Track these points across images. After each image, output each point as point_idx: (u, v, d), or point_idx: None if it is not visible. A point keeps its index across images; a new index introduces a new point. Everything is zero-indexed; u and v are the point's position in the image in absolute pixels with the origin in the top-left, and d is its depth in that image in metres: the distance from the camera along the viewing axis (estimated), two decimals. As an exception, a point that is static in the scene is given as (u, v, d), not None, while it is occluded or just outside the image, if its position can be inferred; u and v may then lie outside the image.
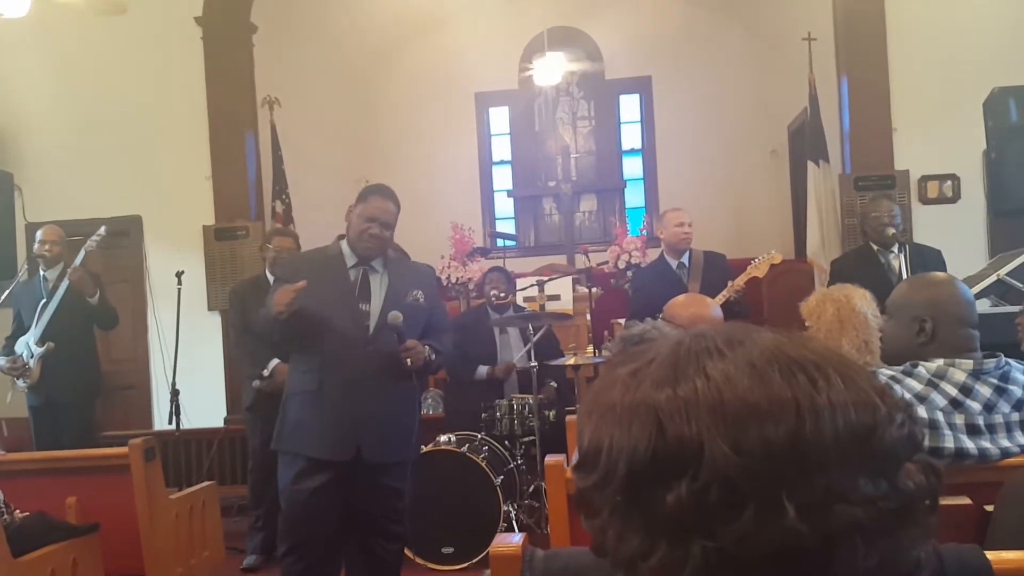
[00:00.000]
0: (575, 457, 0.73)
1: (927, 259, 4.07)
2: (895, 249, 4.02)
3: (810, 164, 5.81)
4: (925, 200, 5.68)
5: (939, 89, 5.57)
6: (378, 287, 3.00)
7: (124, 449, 3.03)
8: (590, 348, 5.60)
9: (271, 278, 4.48)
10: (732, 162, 7.97)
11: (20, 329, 4.67)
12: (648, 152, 8.58)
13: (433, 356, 2.98)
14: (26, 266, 5.00)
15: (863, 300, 2.51)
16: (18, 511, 2.73)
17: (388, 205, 2.98)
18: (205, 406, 5.58)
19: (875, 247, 4.25)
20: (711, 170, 7.97)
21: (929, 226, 5.44)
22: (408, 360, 2.86)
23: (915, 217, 5.57)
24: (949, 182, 5.69)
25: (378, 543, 3.03)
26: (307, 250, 3.14)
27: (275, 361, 4.16)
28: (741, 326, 0.68)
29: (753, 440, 0.58)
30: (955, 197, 5.68)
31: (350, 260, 3.00)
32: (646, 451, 0.61)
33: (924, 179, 5.68)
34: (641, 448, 0.61)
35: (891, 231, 4.07)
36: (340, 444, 2.86)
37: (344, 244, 3.05)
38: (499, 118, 8.88)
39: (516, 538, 1.46)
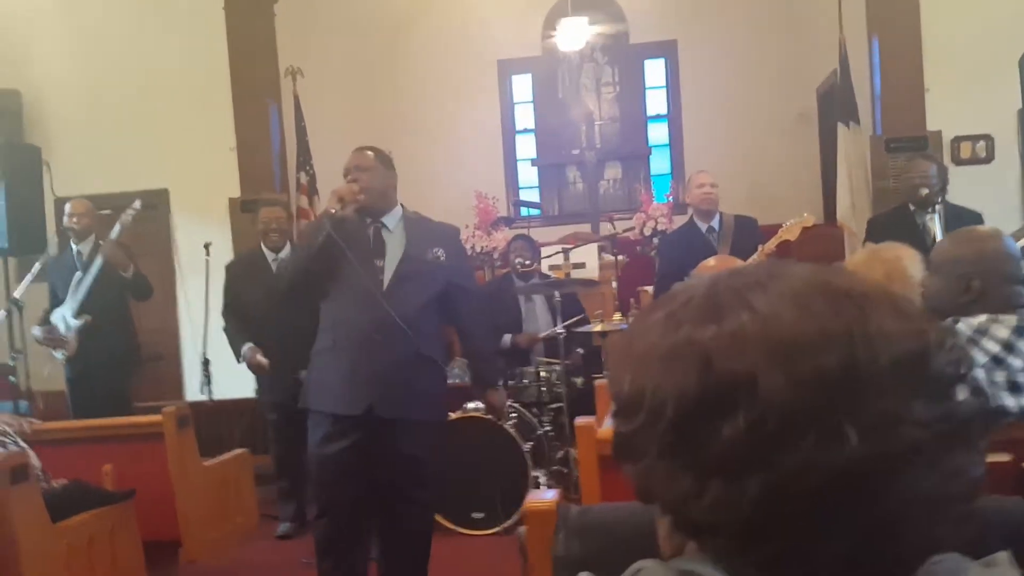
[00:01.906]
0: (612, 405, 0.72)
1: (965, 222, 3.98)
2: (931, 210, 3.94)
3: (840, 126, 5.70)
4: (958, 161, 5.56)
5: (972, 48, 5.43)
6: (395, 244, 3.01)
7: (158, 417, 3.08)
8: (617, 315, 5.58)
9: (266, 252, 4.57)
10: (760, 126, 7.84)
11: (56, 302, 4.73)
12: (674, 118, 8.46)
13: (500, 382, 3.19)
14: (56, 240, 5.05)
15: (912, 261, 2.43)
16: (55, 481, 2.78)
17: (361, 153, 3.06)
18: (235, 376, 5.63)
19: (912, 207, 4.18)
20: (738, 135, 7.85)
21: (963, 187, 5.31)
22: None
23: (949, 178, 5.46)
24: (982, 142, 5.56)
25: (404, 510, 3.05)
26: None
27: (247, 345, 4.37)
28: (777, 260, 0.67)
29: (807, 370, 0.57)
30: (989, 158, 5.56)
31: (365, 221, 3.05)
32: (695, 390, 0.60)
33: (957, 140, 5.56)
34: (690, 388, 0.60)
35: (924, 191, 3.99)
36: (353, 398, 2.89)
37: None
38: (522, 86, 8.79)
39: (550, 494, 1.46)
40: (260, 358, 4.37)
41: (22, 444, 2.60)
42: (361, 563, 3.03)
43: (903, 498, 0.57)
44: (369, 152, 3.08)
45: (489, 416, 4.25)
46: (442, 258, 3.02)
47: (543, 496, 1.46)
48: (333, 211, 2.87)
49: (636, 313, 5.68)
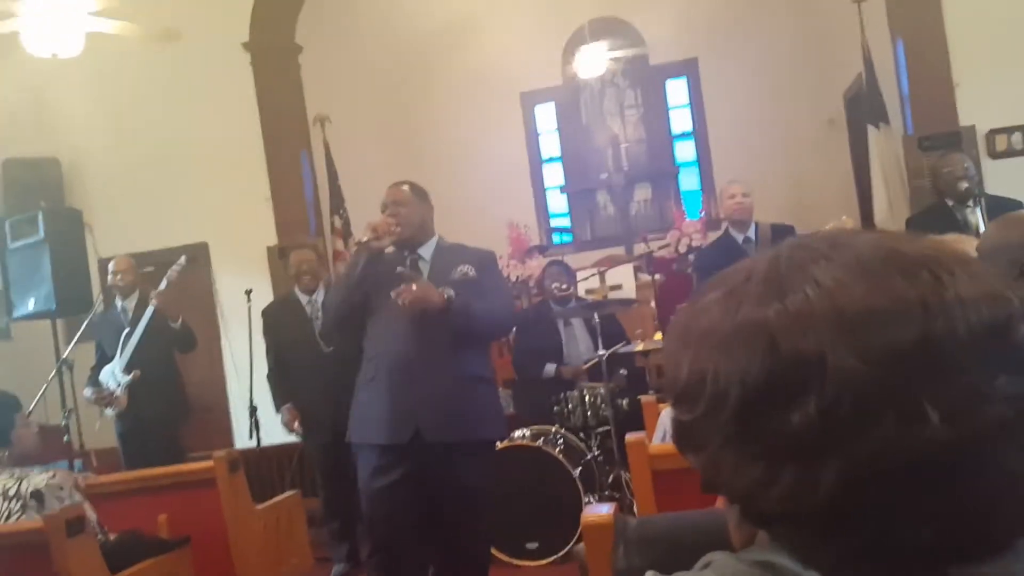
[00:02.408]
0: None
1: (1007, 211, 3.90)
2: (971, 203, 3.86)
3: (870, 128, 5.64)
4: (994, 154, 5.45)
5: (999, 39, 5.34)
6: (427, 271, 3.05)
7: (209, 463, 3.09)
8: (658, 335, 5.53)
9: (300, 295, 4.61)
10: (788, 135, 7.79)
11: (103, 359, 4.82)
12: (700, 134, 8.45)
13: (452, 293, 2.87)
14: (102, 298, 5.16)
15: (971, 246, 2.35)
16: (112, 533, 2.80)
17: (397, 188, 3.10)
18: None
19: (950, 203, 4.10)
20: (767, 146, 7.81)
21: (1001, 180, 5.21)
22: (401, 299, 2.77)
23: (985, 172, 5.34)
24: (1018, 134, 5.44)
25: (460, 541, 3.00)
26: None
27: (286, 406, 4.51)
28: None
29: (881, 346, 0.53)
30: (1025, 149, 5.45)
31: (402, 254, 3.08)
32: (759, 373, 0.56)
33: (992, 133, 5.45)
34: (754, 371, 0.57)
35: (965, 184, 3.92)
36: (398, 426, 2.86)
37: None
38: (546, 115, 8.87)
39: (605, 508, 1.43)
40: (296, 424, 4.52)
41: (77, 498, 2.63)
42: None
43: (990, 479, 0.53)
44: (404, 187, 3.12)
45: (537, 443, 4.22)
46: (471, 274, 3.01)
47: (599, 510, 1.43)
48: (366, 239, 2.91)
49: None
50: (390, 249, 3.00)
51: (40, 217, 5.02)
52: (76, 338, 4.98)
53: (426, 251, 3.08)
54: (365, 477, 2.93)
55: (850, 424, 0.53)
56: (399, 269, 2.89)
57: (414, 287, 2.82)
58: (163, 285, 4.72)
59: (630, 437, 2.17)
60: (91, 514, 2.63)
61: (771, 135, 7.84)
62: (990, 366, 0.53)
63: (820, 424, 0.53)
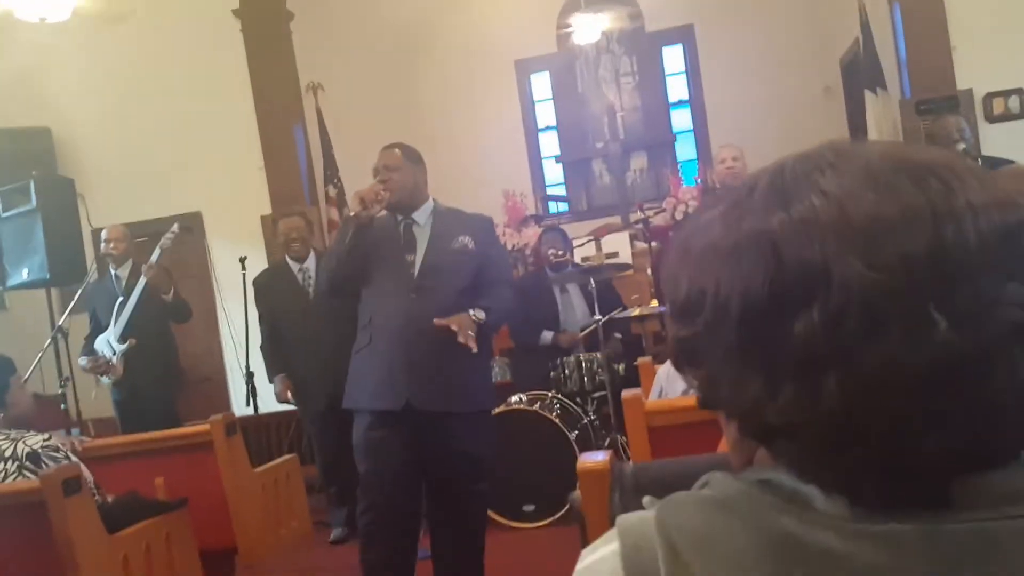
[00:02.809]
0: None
1: (1002, 171, 3.89)
2: (967, 165, 3.85)
3: (867, 93, 5.61)
4: (992, 118, 5.43)
5: (997, 1, 5.31)
6: (425, 238, 2.99)
7: (206, 426, 3.10)
8: (654, 302, 5.53)
9: (290, 262, 4.60)
10: (785, 103, 7.74)
11: (97, 328, 4.81)
12: (696, 102, 8.39)
13: (483, 315, 2.89)
14: (95, 266, 5.14)
15: None
16: (110, 496, 2.81)
17: (389, 152, 3.03)
18: (279, 389, 5.69)
19: (946, 166, 4.08)
20: (763, 114, 7.76)
21: (998, 144, 5.19)
22: (460, 338, 2.78)
23: (983, 136, 5.33)
24: (1015, 96, 5.42)
25: (458, 504, 3.00)
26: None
27: (279, 376, 4.54)
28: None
29: (889, 254, 0.52)
30: (1023, 112, 5.42)
31: (397, 219, 3.05)
32: (763, 284, 0.55)
33: (989, 96, 5.42)
34: (756, 281, 0.56)
35: (961, 147, 3.90)
36: (391, 394, 2.85)
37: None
38: (541, 84, 8.79)
39: (601, 455, 1.43)
40: (288, 395, 4.55)
41: (73, 459, 2.63)
42: (410, 556, 2.98)
43: (999, 387, 0.52)
44: (396, 150, 3.06)
45: (534, 408, 4.23)
46: (471, 246, 2.98)
47: (594, 457, 1.43)
48: (354, 214, 2.87)
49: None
50: (382, 214, 2.96)
51: (32, 186, 4.98)
52: (70, 307, 4.97)
53: (421, 216, 3.03)
54: (360, 431, 2.93)
55: (855, 333, 0.52)
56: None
57: (454, 327, 2.82)
58: (156, 254, 4.69)
59: (626, 393, 2.17)
60: (88, 475, 2.63)
61: (768, 103, 7.79)
62: (1000, 272, 0.52)
63: (824, 334, 0.52)
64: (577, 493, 1.44)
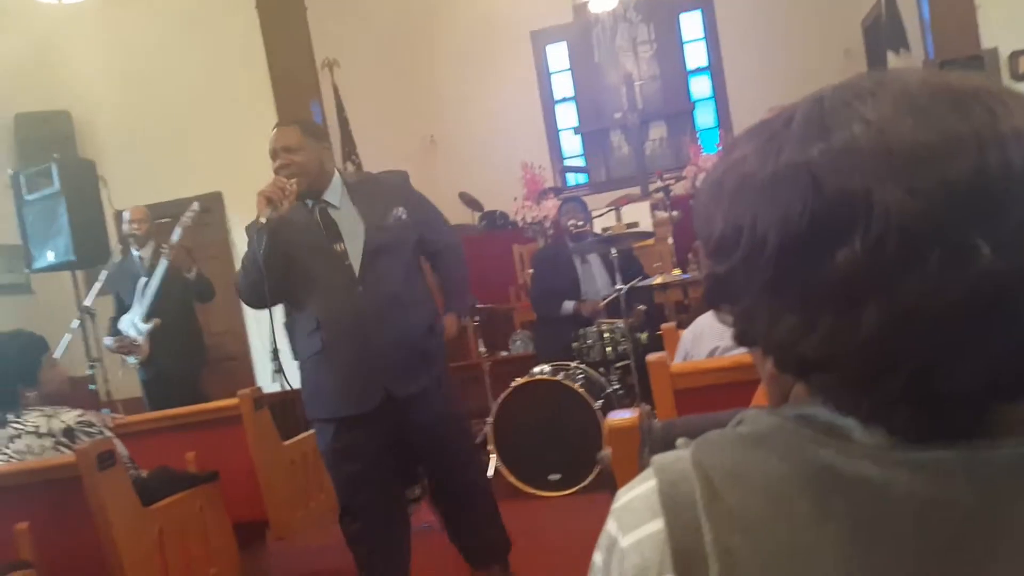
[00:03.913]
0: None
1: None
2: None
3: (890, 54, 5.53)
4: (1018, 76, 5.31)
5: (1023, -45, 5.19)
6: (349, 220, 2.69)
7: (234, 400, 3.13)
8: (676, 270, 5.50)
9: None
10: (805, 67, 7.60)
11: (122, 309, 4.86)
12: (715, 69, 8.30)
13: (458, 316, 2.92)
14: (119, 248, 5.18)
15: None
16: (144, 470, 2.85)
17: (285, 130, 2.68)
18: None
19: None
20: (784, 78, 7.62)
21: (1026, 103, 5.09)
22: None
23: (1009, 95, 5.23)
24: (1042, 55, 5.31)
25: (451, 464, 2.87)
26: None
27: None
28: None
29: (932, 182, 0.51)
30: (1050, 70, 5.31)
31: (308, 204, 2.72)
32: (801, 215, 0.54)
33: (1015, 55, 5.30)
34: (795, 213, 0.55)
35: None
36: (365, 394, 2.65)
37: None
38: (557, 55, 8.72)
39: (628, 412, 1.43)
40: None
41: (107, 433, 2.67)
42: (406, 556, 2.87)
43: None
44: (295, 127, 2.69)
45: (557, 378, 4.24)
46: (404, 216, 2.73)
47: (622, 415, 1.43)
48: (264, 220, 2.52)
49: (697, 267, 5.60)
50: (286, 206, 2.58)
51: (54, 169, 5.01)
52: (96, 289, 5.02)
53: (333, 195, 2.71)
54: (327, 441, 2.75)
55: (896, 262, 0.51)
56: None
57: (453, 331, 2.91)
58: (176, 233, 4.72)
59: (652, 357, 2.16)
60: (122, 450, 2.68)
61: (789, 68, 7.67)
62: None
63: (865, 263, 0.52)
64: (606, 451, 1.44)
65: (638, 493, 0.63)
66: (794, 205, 0.55)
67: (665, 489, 0.60)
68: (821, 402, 0.59)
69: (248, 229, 2.77)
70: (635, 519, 0.61)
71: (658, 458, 0.64)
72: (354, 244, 2.66)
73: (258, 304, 2.74)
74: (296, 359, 2.81)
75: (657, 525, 0.59)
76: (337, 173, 2.78)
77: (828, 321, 0.54)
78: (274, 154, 2.66)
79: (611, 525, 0.63)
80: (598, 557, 0.64)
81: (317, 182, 2.68)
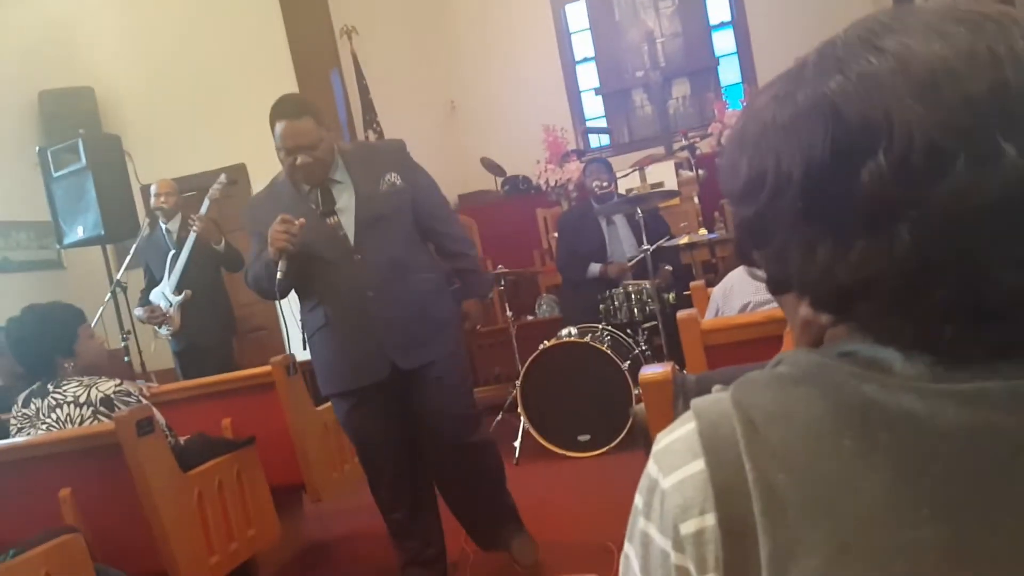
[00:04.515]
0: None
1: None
2: None
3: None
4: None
5: None
6: (344, 191, 2.65)
7: (267, 368, 3.16)
8: (702, 230, 5.46)
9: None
10: (831, 17, 7.45)
11: (152, 282, 4.92)
12: (739, 23, 8.14)
13: (482, 296, 2.86)
14: (147, 221, 5.23)
15: None
16: (181, 437, 2.90)
17: (299, 124, 2.53)
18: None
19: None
20: (809, 30, 7.41)
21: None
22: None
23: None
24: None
25: (452, 463, 2.82)
26: (264, 188, 2.77)
27: None
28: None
29: (951, 98, 0.51)
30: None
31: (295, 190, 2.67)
32: (824, 144, 0.55)
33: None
34: (818, 141, 0.55)
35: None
36: (373, 366, 2.63)
37: None
38: (577, 14, 8.61)
39: (661, 366, 1.43)
40: None
41: (143, 400, 2.72)
42: (432, 512, 2.89)
43: None
44: (308, 119, 2.54)
45: (585, 340, 4.24)
46: (398, 182, 2.66)
47: (655, 368, 1.43)
48: (281, 275, 2.51)
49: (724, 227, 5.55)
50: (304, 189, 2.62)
51: (80, 144, 5.05)
52: (126, 263, 5.08)
53: (336, 173, 2.66)
54: (344, 413, 2.77)
55: (922, 172, 0.51)
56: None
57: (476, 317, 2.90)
58: (205, 205, 4.77)
59: (682, 314, 2.16)
60: (160, 418, 2.72)
61: (813, 19, 7.49)
62: None
63: (891, 178, 0.52)
64: (640, 406, 1.45)
65: (678, 435, 0.63)
66: (816, 135, 0.55)
67: (705, 430, 0.60)
68: (860, 337, 0.59)
69: (247, 211, 2.78)
70: (676, 460, 0.61)
71: (697, 401, 0.64)
72: (348, 215, 2.62)
73: (269, 300, 2.74)
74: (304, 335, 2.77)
75: (698, 465, 0.59)
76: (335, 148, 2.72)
77: (861, 243, 0.54)
78: (291, 151, 2.54)
79: (651, 468, 0.64)
80: (639, 499, 0.65)
81: (328, 170, 2.63)
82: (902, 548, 0.51)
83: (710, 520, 0.58)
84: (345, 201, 2.63)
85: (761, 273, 0.66)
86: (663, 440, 0.64)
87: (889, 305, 0.55)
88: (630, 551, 0.65)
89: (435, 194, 2.82)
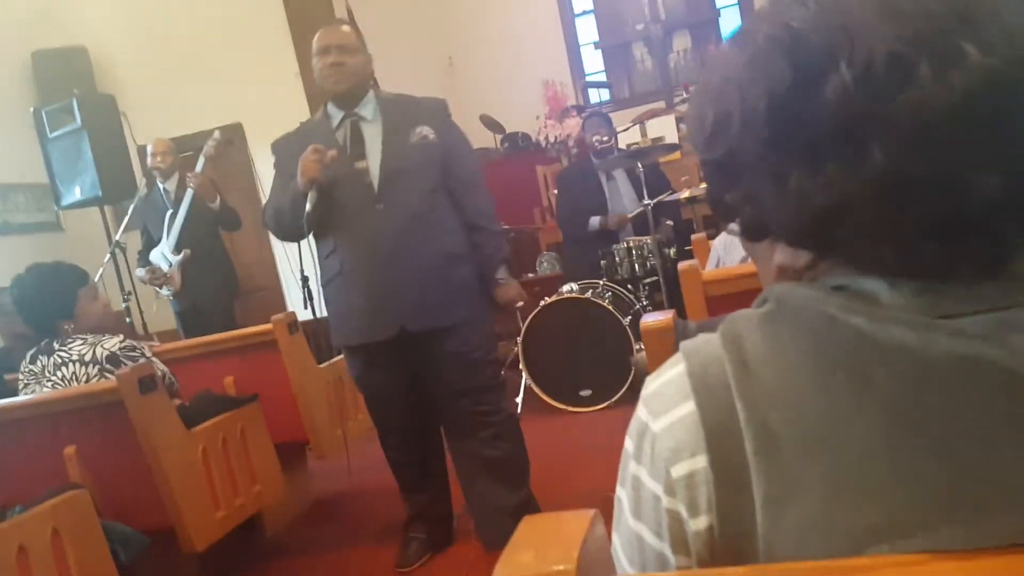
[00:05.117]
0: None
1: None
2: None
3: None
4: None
5: None
6: (374, 135, 2.57)
7: (268, 326, 3.17)
8: (703, 184, 5.42)
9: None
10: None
11: (150, 242, 4.91)
12: (740, -28, 8.01)
13: (505, 273, 2.67)
14: (144, 181, 5.20)
15: None
16: (185, 400, 2.91)
17: (336, 28, 2.57)
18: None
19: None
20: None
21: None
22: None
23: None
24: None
25: (480, 446, 2.72)
26: (293, 130, 2.74)
27: None
28: None
29: (907, 11, 0.51)
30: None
31: (336, 118, 2.61)
32: (785, 70, 0.54)
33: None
34: (778, 72, 0.54)
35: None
36: (380, 322, 2.55)
37: (329, 104, 2.66)
38: (575, -34, 8.45)
39: (662, 314, 1.42)
40: None
41: (148, 355, 2.73)
42: (438, 461, 2.87)
43: None
44: (347, 27, 2.58)
45: (586, 296, 4.24)
46: (431, 137, 2.57)
47: (656, 316, 1.42)
48: (310, 206, 2.47)
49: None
50: (320, 114, 2.61)
51: (75, 104, 5.01)
52: (124, 223, 5.06)
53: (366, 109, 2.60)
54: (357, 374, 2.74)
55: (885, 81, 0.50)
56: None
57: (512, 296, 2.70)
58: (200, 163, 4.74)
59: (683, 265, 2.15)
60: (168, 374, 2.74)
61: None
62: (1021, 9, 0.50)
63: (856, 90, 0.51)
64: (641, 354, 1.44)
65: (668, 378, 0.62)
66: (777, 64, 0.54)
67: (695, 371, 0.59)
68: (842, 269, 0.58)
69: (273, 153, 2.73)
70: (666, 403, 0.61)
71: (686, 343, 0.63)
72: (374, 161, 2.56)
73: (289, 240, 2.72)
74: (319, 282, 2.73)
75: (689, 407, 0.59)
76: (371, 88, 2.65)
77: (833, 164, 0.53)
78: (325, 51, 2.53)
79: (641, 411, 0.63)
80: (629, 443, 0.64)
81: (356, 90, 2.57)
82: (901, 480, 0.51)
83: (701, 462, 0.57)
84: (374, 147, 2.56)
85: (735, 226, 0.65)
86: (652, 383, 0.64)
87: (867, 227, 0.54)
88: (622, 494, 0.65)
89: (467, 160, 2.71)
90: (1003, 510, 0.48)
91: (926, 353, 0.51)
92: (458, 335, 2.61)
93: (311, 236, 2.62)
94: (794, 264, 0.62)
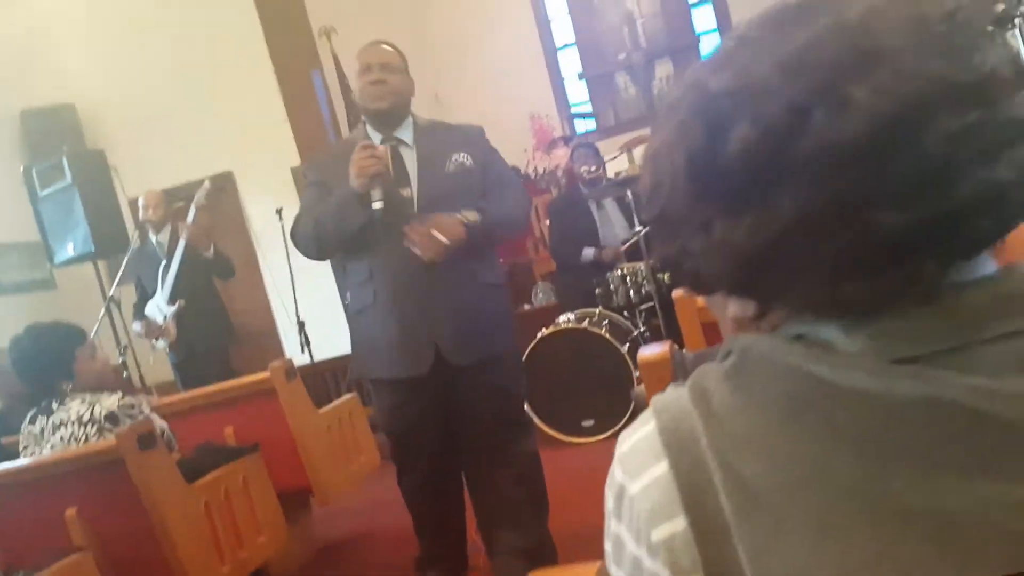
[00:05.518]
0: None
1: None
2: (1010, 26, 3.66)
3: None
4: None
5: None
6: (411, 162, 2.51)
7: (266, 374, 3.16)
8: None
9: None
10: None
11: (144, 295, 4.91)
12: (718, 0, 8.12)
13: (474, 216, 2.42)
14: (137, 234, 5.21)
15: None
16: (184, 453, 2.89)
17: (378, 47, 2.53)
18: (331, 335, 5.77)
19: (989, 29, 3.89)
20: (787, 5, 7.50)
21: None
22: (421, 249, 2.37)
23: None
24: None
25: (501, 486, 2.65)
26: (334, 145, 2.69)
27: None
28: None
29: (802, 66, 0.54)
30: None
31: (375, 140, 2.53)
32: (698, 128, 0.58)
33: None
34: (694, 131, 0.58)
35: (1000, 6, 3.71)
36: (416, 356, 2.47)
37: (367, 125, 2.60)
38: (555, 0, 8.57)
39: (659, 346, 1.42)
40: None
41: (147, 412, 2.71)
42: (458, 501, 2.77)
43: (933, 150, 0.51)
44: (389, 47, 2.54)
45: (583, 326, 4.23)
46: (468, 163, 2.50)
47: (653, 349, 1.42)
48: (380, 204, 2.36)
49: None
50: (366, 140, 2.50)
51: (65, 161, 5.03)
52: (119, 277, 5.06)
53: (405, 133, 2.54)
54: (384, 410, 2.63)
55: (784, 129, 0.53)
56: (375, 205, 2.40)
57: (433, 232, 2.35)
58: (191, 214, 4.76)
59: (677, 292, 2.15)
60: (166, 429, 2.73)
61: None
62: (917, 51, 0.53)
63: (757, 140, 0.54)
64: (640, 388, 1.44)
65: (640, 436, 0.62)
66: (693, 126, 0.59)
67: (665, 428, 0.60)
68: (798, 323, 0.60)
69: (306, 172, 2.64)
70: (640, 463, 0.60)
71: (657, 398, 0.63)
72: (415, 187, 2.49)
73: (317, 258, 2.61)
74: (347, 310, 2.61)
75: (663, 467, 0.59)
76: (411, 114, 2.59)
77: (750, 213, 0.55)
78: (367, 69, 2.48)
79: (617, 472, 0.63)
80: (609, 500, 0.64)
81: (397, 110, 2.52)
82: (885, 516, 0.50)
83: (680, 524, 0.57)
84: (413, 171, 2.50)
85: (685, 286, 0.67)
86: (626, 442, 0.64)
87: (791, 271, 0.56)
88: (608, 547, 0.65)
89: (501, 166, 2.64)
90: (991, 540, 0.48)
91: (889, 397, 0.52)
92: (498, 366, 2.56)
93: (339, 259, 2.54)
94: (745, 314, 0.63)
